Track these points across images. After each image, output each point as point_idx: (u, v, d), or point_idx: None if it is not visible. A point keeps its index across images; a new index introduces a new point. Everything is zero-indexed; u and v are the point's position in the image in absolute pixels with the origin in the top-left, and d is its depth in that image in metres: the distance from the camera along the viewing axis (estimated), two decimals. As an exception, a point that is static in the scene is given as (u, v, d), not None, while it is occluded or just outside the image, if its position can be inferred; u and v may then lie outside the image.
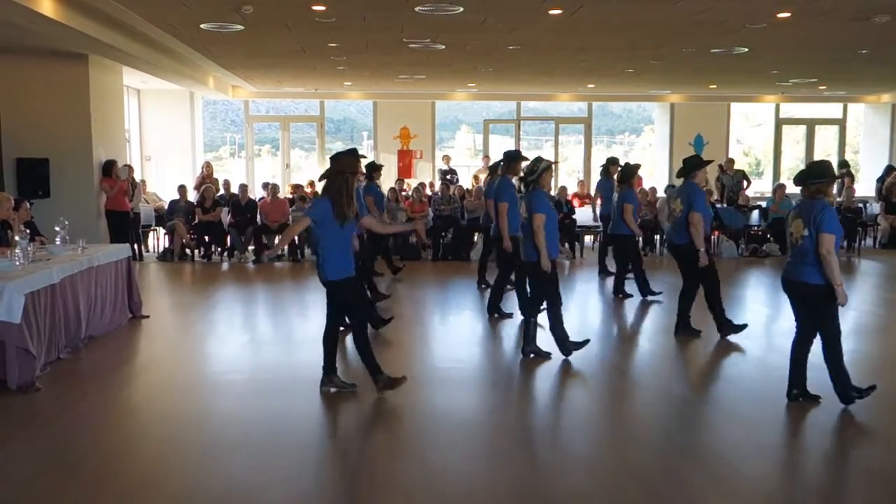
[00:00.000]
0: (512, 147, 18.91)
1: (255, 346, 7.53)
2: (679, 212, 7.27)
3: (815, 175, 5.25)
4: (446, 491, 4.18)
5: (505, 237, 8.02)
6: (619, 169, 10.09)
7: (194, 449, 4.77)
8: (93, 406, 5.53)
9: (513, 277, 8.42)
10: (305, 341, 7.74)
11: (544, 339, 6.72)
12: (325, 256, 5.49)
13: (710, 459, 4.60)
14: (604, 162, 11.75)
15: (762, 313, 9.10)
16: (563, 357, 6.58)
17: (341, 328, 6.10)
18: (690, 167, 7.39)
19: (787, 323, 8.37)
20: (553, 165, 6.68)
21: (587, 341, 6.75)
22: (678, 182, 8.15)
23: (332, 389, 5.72)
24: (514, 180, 8.05)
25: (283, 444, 4.76)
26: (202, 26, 9.28)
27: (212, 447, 4.78)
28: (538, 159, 6.63)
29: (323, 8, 8.23)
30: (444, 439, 4.96)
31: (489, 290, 8.86)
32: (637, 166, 10.16)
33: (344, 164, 5.47)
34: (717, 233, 13.04)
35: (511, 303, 8.55)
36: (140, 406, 5.70)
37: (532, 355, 6.65)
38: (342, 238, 5.48)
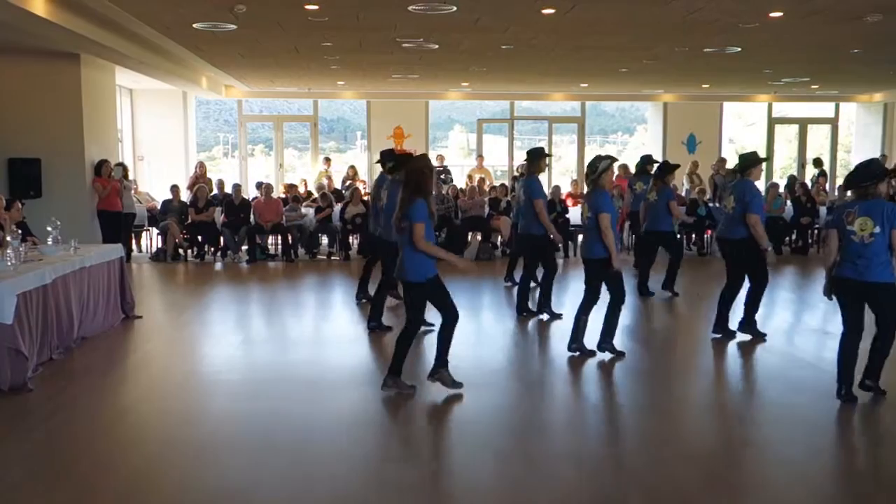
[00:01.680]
0: (505, 146, 18.97)
1: (249, 346, 7.51)
2: (731, 209, 7.18)
3: (865, 177, 5.31)
4: (441, 490, 4.18)
5: (553, 232, 8.22)
6: (658, 166, 10.02)
7: (188, 449, 4.76)
8: (86, 407, 5.51)
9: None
10: (299, 341, 7.75)
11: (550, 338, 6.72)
12: (408, 257, 5.44)
13: (696, 451, 4.62)
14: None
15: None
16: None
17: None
18: (746, 164, 7.23)
19: (781, 322, 8.40)
20: (614, 163, 6.69)
21: (622, 353, 6.72)
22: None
23: (393, 391, 5.65)
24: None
25: (277, 444, 4.75)
26: (195, 26, 9.25)
27: (205, 447, 4.77)
28: (598, 157, 6.65)
29: (316, 7, 8.21)
30: (440, 439, 4.96)
31: (516, 289, 8.79)
32: (675, 166, 10.07)
33: (420, 163, 5.58)
34: (709, 231, 13.06)
35: (558, 303, 8.63)
36: (133, 406, 5.68)
37: (578, 353, 6.68)
38: (430, 236, 5.49)
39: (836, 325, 5.72)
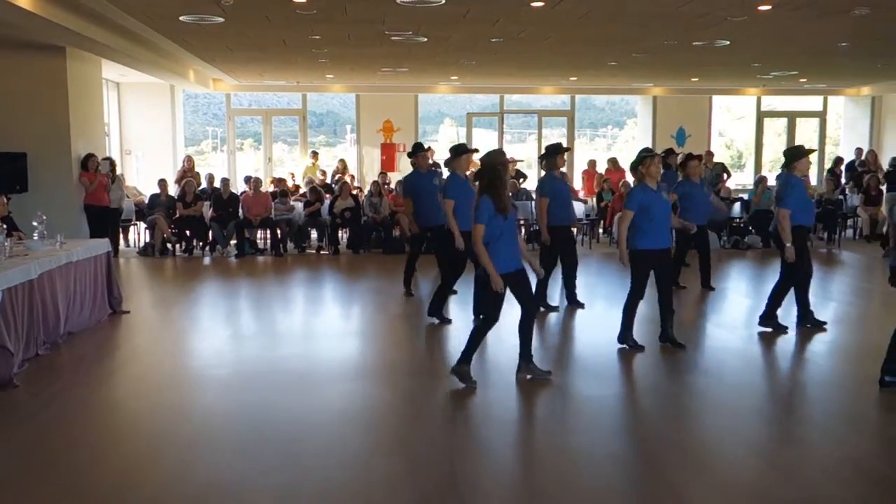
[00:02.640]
0: (495, 140, 18.95)
1: (238, 340, 7.48)
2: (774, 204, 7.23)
3: None
4: (429, 484, 4.17)
5: (543, 231, 8.20)
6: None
7: (178, 443, 4.73)
8: (72, 402, 5.47)
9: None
10: (288, 336, 7.72)
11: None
12: (494, 252, 5.46)
13: (686, 446, 4.63)
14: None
15: (745, 305, 9.15)
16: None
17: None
18: (790, 158, 7.20)
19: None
20: (654, 157, 6.60)
21: (642, 347, 6.73)
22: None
23: (528, 376, 5.78)
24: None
25: (266, 438, 4.74)
26: (182, 18, 9.18)
27: (195, 441, 4.75)
28: (642, 150, 6.74)
29: (304, 0, 8.16)
30: (428, 433, 4.95)
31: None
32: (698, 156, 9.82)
33: (494, 159, 5.53)
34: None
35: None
36: (121, 401, 5.65)
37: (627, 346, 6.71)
38: (508, 231, 5.50)
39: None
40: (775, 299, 7.31)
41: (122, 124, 16.60)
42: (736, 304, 9.19)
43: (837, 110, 20.58)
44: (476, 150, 7.76)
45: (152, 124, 16.64)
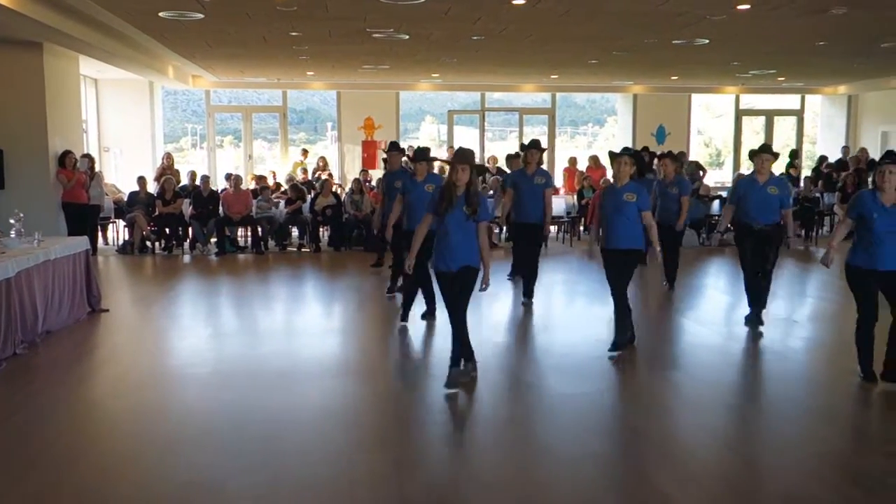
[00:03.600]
0: (476, 138, 18.98)
1: (218, 339, 7.44)
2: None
3: None
4: (411, 480, 4.17)
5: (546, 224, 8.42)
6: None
7: (157, 442, 4.71)
8: (50, 401, 5.42)
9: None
10: (269, 334, 7.69)
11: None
12: (435, 246, 5.59)
13: (665, 444, 4.68)
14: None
15: (723, 301, 9.23)
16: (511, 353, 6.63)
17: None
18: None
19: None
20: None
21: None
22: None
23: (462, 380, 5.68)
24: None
25: (246, 437, 4.73)
26: (160, 14, 9.11)
27: (175, 440, 4.73)
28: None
29: (284, -4, 8.13)
30: (411, 429, 4.96)
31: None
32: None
33: (454, 158, 5.56)
34: None
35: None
36: (100, 401, 5.61)
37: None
38: (448, 231, 5.49)
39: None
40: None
41: (101, 121, 16.43)
42: (713, 300, 9.28)
43: (815, 109, 20.80)
44: (436, 159, 7.72)
45: (131, 121, 16.48)
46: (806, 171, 17.34)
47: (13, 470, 4.26)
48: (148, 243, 12.67)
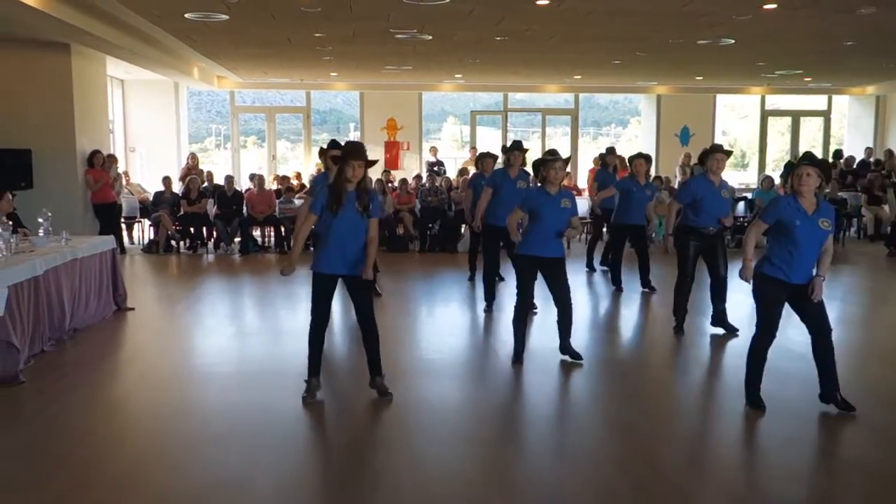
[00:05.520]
0: (498, 138, 18.95)
1: (242, 338, 7.49)
2: None
3: None
4: (432, 481, 4.17)
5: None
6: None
7: (180, 442, 4.75)
8: (77, 399, 5.49)
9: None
10: (292, 333, 7.71)
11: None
12: (320, 247, 5.43)
13: (686, 445, 4.63)
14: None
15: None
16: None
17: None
18: (700, 157, 7.37)
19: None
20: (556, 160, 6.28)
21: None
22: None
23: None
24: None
25: (270, 437, 4.74)
26: (186, 16, 9.19)
27: (198, 440, 4.76)
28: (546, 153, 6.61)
29: (309, -3, 8.17)
30: (430, 430, 4.96)
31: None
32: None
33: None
34: None
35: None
36: (125, 399, 5.67)
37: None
38: (336, 231, 5.23)
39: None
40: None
41: (127, 121, 16.61)
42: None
43: (842, 109, 20.53)
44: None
45: (156, 121, 16.66)
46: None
47: (41, 468, 4.31)
48: (173, 242, 12.79)
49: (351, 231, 5.22)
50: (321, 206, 5.23)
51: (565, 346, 6.34)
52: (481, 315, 8.19)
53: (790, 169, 5.69)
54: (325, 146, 7.73)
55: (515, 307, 6.29)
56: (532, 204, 6.18)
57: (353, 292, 5.39)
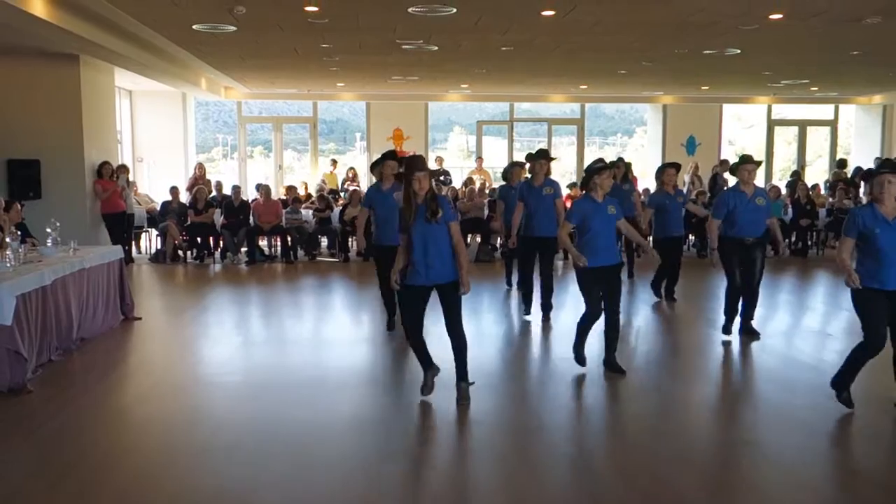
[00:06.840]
0: (505, 148, 18.98)
1: (249, 347, 7.50)
2: None
3: None
4: (443, 492, 4.16)
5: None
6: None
7: (188, 451, 4.75)
8: (85, 408, 5.50)
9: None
10: (299, 343, 7.73)
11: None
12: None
13: (697, 458, 4.61)
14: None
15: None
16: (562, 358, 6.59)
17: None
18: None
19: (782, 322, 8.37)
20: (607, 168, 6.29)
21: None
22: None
23: None
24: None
25: (277, 447, 4.74)
26: (194, 27, 9.25)
27: (204, 449, 4.76)
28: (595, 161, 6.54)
29: (316, 9, 8.21)
30: (441, 440, 4.95)
31: None
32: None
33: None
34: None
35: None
36: (132, 408, 5.67)
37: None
38: (418, 242, 5.31)
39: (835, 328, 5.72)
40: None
41: (135, 132, 16.70)
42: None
43: (849, 119, 20.50)
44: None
45: (164, 132, 16.73)
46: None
47: (48, 476, 4.32)
48: (180, 252, 12.82)
49: (431, 241, 5.26)
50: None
51: (609, 360, 6.31)
52: (517, 323, 8.28)
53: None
54: (378, 157, 7.64)
55: (585, 315, 6.27)
56: (581, 215, 6.16)
57: (442, 300, 5.41)
